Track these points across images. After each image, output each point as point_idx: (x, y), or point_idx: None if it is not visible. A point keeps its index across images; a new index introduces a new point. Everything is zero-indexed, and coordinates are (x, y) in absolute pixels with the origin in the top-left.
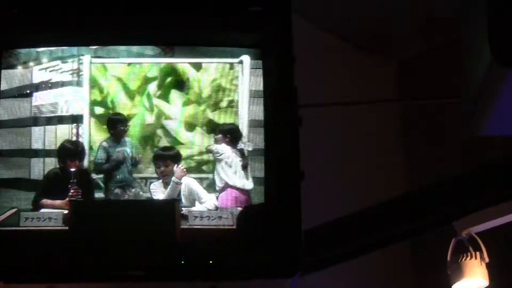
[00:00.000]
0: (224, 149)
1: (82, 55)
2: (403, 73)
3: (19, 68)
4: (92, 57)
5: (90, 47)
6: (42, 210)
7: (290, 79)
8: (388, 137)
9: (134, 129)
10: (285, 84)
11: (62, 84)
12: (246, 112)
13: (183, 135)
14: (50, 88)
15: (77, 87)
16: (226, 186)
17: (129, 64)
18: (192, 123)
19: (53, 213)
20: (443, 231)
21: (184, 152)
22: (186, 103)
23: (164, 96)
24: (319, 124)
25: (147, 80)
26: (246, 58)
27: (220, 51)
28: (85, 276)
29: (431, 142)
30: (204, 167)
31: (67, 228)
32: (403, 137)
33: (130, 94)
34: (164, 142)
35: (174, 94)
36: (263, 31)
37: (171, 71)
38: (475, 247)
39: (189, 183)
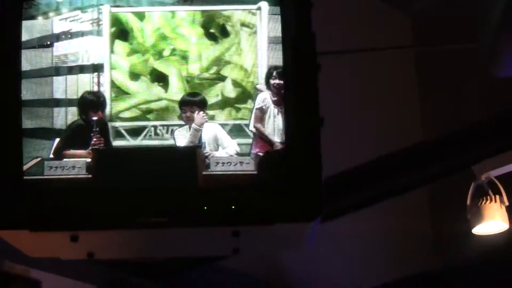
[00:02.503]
0: (268, 99)
1: (101, 4)
2: (419, 20)
3: (40, 19)
4: (111, 6)
5: None
6: (65, 160)
7: (308, 25)
8: (404, 84)
9: None
10: (303, 30)
11: (82, 34)
12: (265, 59)
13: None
14: (71, 38)
15: (97, 37)
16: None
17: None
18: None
19: (76, 162)
20: (462, 175)
21: (210, 99)
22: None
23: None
24: (337, 71)
25: None
26: (264, 5)
27: None
28: (109, 224)
29: (447, 90)
30: (239, 114)
31: (90, 176)
32: (419, 85)
33: None
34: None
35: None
36: None
37: (116, 21)
38: (494, 190)
39: (213, 128)
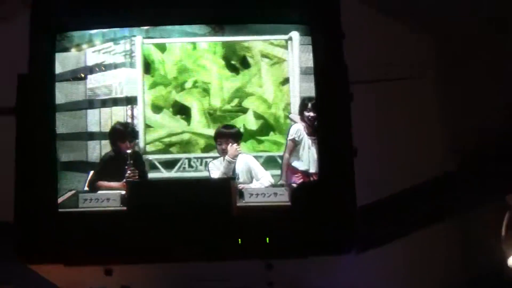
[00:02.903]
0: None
1: (134, 36)
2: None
3: (73, 51)
4: (143, 38)
5: (142, 27)
6: (99, 192)
7: (340, 55)
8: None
9: None
10: (335, 60)
11: (115, 66)
12: (297, 89)
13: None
14: (104, 70)
15: (130, 69)
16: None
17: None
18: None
19: (111, 194)
20: (495, 205)
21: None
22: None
23: None
24: (369, 100)
25: None
26: (295, 35)
27: (269, 28)
28: (143, 257)
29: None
30: (261, 146)
31: (125, 208)
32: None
33: None
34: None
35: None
36: (312, 8)
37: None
38: None
39: (247, 160)
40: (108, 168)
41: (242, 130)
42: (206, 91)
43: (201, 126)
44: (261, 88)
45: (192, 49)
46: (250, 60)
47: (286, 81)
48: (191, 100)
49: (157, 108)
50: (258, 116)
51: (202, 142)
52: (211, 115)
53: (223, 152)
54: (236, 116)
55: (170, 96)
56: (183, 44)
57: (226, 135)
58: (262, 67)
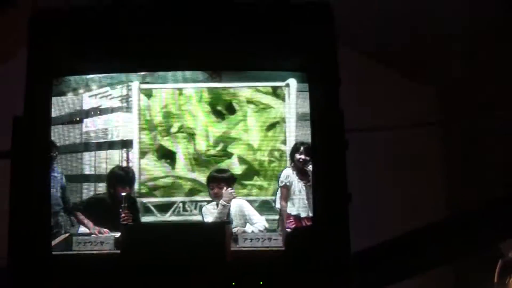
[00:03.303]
0: (291, 175)
1: (131, 81)
2: (445, 96)
3: (69, 95)
4: (140, 83)
5: (139, 73)
6: (93, 235)
7: (336, 102)
8: (432, 160)
9: None
10: (331, 107)
11: (111, 110)
12: (293, 134)
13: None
14: (100, 114)
15: (127, 113)
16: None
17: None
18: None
19: (104, 237)
20: (489, 253)
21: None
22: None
23: None
24: (365, 147)
25: None
26: (292, 82)
27: (266, 75)
28: None
29: (474, 165)
30: (245, 190)
31: (119, 251)
32: (446, 159)
33: None
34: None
35: None
36: (309, 55)
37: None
38: None
39: (241, 204)
40: (95, 208)
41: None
42: (191, 136)
43: (186, 170)
44: (246, 134)
45: (178, 95)
46: (236, 106)
47: (271, 126)
48: (176, 145)
49: (142, 152)
50: (242, 160)
51: (187, 186)
52: (196, 160)
53: (216, 196)
54: (221, 160)
55: (155, 140)
56: (170, 90)
57: (218, 179)
58: (248, 113)
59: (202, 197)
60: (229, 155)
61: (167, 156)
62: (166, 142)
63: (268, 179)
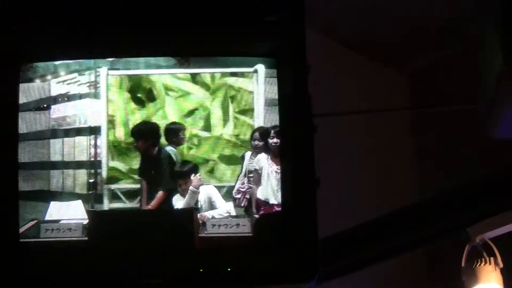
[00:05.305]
0: (261, 160)
1: (99, 67)
2: (416, 83)
3: (37, 82)
4: (108, 69)
5: (107, 59)
6: (61, 222)
7: (305, 87)
8: (401, 146)
9: None
10: (300, 92)
11: (79, 96)
12: (262, 121)
13: None
14: (68, 100)
15: (95, 99)
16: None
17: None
18: None
19: (73, 224)
20: (458, 237)
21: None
22: None
23: None
24: (334, 133)
25: None
26: (260, 67)
27: (235, 60)
28: (105, 286)
29: (444, 150)
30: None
31: (86, 238)
32: (416, 145)
33: None
34: None
35: None
36: (277, 41)
37: None
38: (489, 252)
39: (208, 191)
40: None
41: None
42: (111, 123)
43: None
44: (166, 121)
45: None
46: (155, 93)
47: (190, 113)
48: None
49: None
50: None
51: (105, 174)
52: (116, 147)
53: (182, 190)
54: None
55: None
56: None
57: (185, 174)
58: (167, 100)
59: (120, 185)
60: None
61: None
62: None
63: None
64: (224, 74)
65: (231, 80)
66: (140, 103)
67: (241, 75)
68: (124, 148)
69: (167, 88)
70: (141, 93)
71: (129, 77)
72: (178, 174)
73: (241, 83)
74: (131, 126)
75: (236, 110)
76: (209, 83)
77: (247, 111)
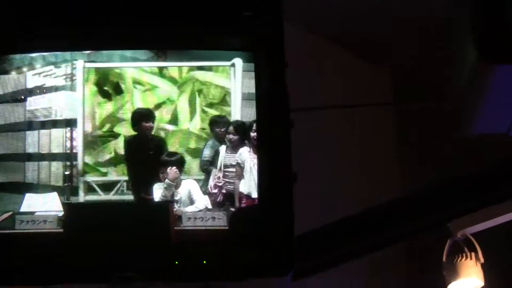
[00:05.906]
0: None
1: (76, 60)
2: (398, 78)
3: (13, 74)
4: (85, 61)
5: (83, 52)
6: (36, 214)
7: (282, 82)
8: (382, 141)
9: None
10: (277, 86)
11: (56, 88)
12: (239, 114)
13: None
14: (44, 92)
15: (71, 92)
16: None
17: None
18: None
19: (48, 216)
20: (438, 232)
21: (104, 156)
22: None
23: None
24: (314, 128)
25: None
26: (238, 61)
27: (212, 54)
28: (80, 278)
29: (426, 146)
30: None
31: (62, 230)
32: (397, 141)
33: None
34: None
35: None
36: (255, 35)
37: None
38: (470, 247)
39: (188, 184)
40: None
41: (113, 154)
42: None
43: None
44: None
45: None
46: (122, 86)
47: (158, 106)
48: None
49: None
50: None
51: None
52: (84, 139)
53: (163, 179)
54: (107, 141)
55: None
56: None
57: (168, 162)
58: (135, 94)
59: (90, 177)
60: (115, 136)
61: None
62: None
63: None
64: (191, 68)
65: (198, 74)
66: (107, 96)
67: (209, 68)
68: (91, 142)
69: (135, 82)
70: (108, 86)
71: (96, 69)
72: (163, 162)
73: (210, 77)
74: (97, 119)
75: (203, 104)
76: (176, 77)
77: (214, 104)
